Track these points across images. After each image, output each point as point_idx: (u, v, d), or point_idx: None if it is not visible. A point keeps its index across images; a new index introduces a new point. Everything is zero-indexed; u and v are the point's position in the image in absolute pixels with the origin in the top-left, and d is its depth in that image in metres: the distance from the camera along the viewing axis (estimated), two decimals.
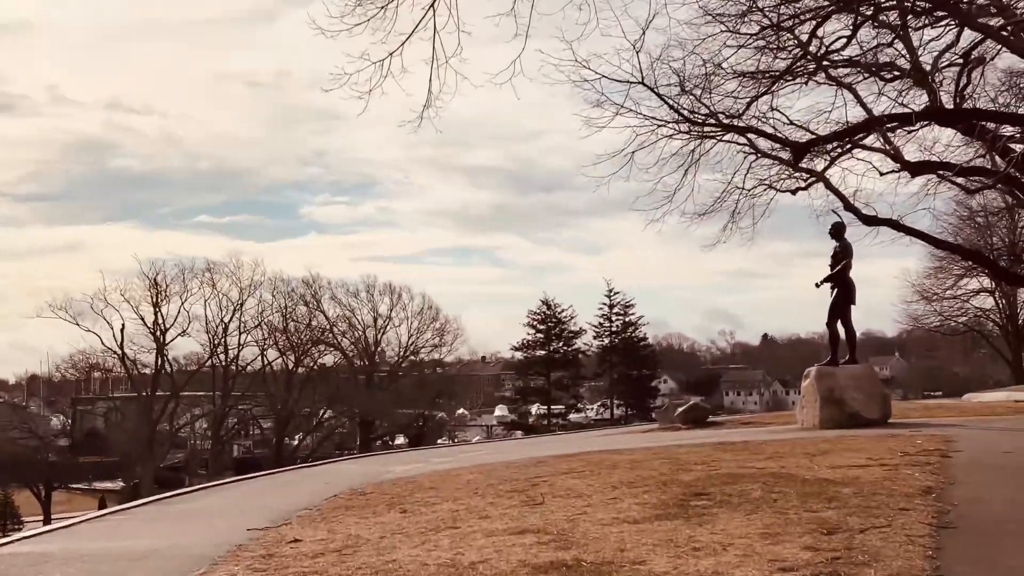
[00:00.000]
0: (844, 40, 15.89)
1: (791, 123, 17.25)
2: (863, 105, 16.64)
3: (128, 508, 12.12)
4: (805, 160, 17.43)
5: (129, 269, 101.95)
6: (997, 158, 16.03)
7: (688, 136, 16.71)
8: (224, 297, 59.27)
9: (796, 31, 15.71)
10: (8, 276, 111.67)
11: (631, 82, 15.83)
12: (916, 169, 17.15)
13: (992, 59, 16.52)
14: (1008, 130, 15.88)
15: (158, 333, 58.02)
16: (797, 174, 17.95)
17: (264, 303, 60.82)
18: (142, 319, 57.60)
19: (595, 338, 63.71)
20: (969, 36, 15.63)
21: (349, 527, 7.97)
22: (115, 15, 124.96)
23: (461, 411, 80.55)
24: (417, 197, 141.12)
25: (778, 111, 17.10)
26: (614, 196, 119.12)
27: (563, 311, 62.40)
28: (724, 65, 16.02)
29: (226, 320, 59.39)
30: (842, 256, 15.64)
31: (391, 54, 9.91)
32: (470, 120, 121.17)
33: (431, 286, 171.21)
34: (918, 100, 16.49)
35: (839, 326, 15.76)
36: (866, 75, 16.85)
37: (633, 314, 63.13)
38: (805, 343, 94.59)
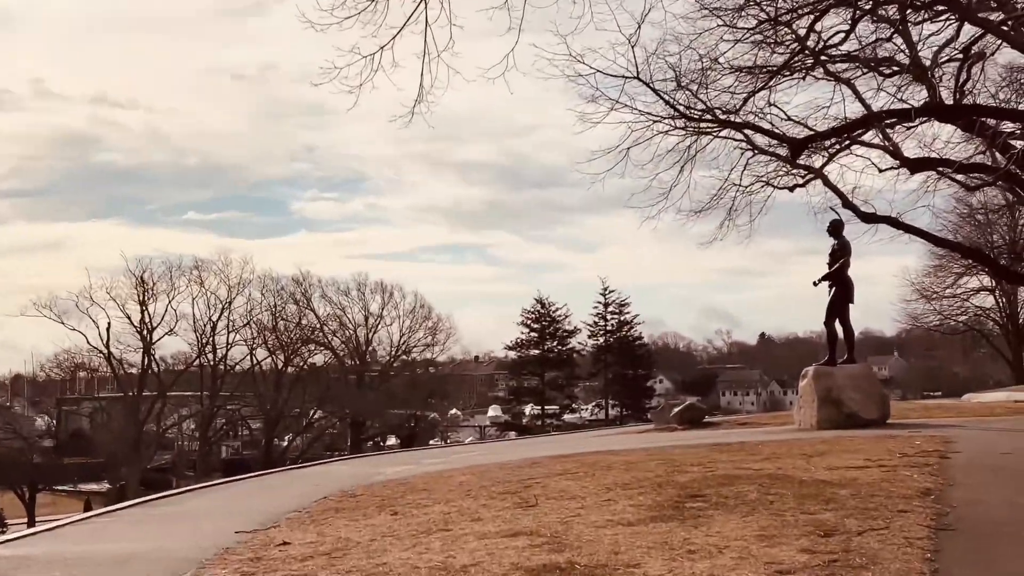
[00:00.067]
0: (842, 35, 15.85)
1: (789, 119, 17.22)
2: (862, 101, 16.59)
3: (114, 510, 11.97)
4: (803, 157, 17.35)
5: (115, 266, 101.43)
6: (997, 155, 15.97)
7: (684, 132, 16.67)
8: (212, 295, 58.51)
9: (794, 25, 15.65)
10: None
11: (626, 77, 15.78)
12: (915, 166, 17.06)
13: (992, 54, 16.50)
14: (1008, 126, 15.83)
15: (145, 332, 57.27)
16: (795, 171, 17.84)
17: (253, 301, 60.12)
18: (128, 318, 56.78)
19: (590, 337, 63.18)
20: (969, 31, 15.60)
21: (339, 530, 7.89)
22: (100, 7, 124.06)
23: (454, 411, 79.74)
24: (409, 193, 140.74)
25: (775, 107, 17.08)
26: (609, 193, 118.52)
27: (557, 310, 61.82)
28: (721, 60, 15.99)
29: (214, 319, 58.68)
30: (840, 254, 15.51)
31: (382, 48, 9.81)
32: (462, 115, 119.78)
33: (423, 284, 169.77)
34: (917, 96, 16.46)
35: (837, 325, 15.65)
36: (865, 70, 16.79)
37: (628, 313, 62.71)
38: (803, 342, 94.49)
